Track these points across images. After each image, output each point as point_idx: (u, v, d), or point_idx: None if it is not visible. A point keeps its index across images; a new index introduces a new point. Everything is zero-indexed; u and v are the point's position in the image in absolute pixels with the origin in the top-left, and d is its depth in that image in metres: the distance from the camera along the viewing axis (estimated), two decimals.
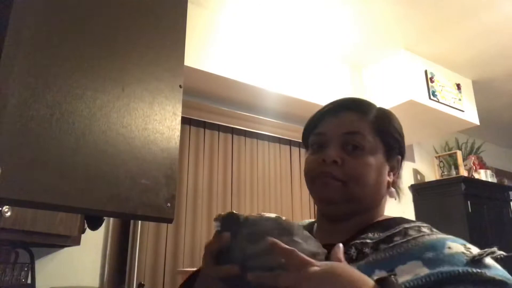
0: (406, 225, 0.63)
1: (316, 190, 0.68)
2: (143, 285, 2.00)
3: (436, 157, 3.93)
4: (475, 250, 0.57)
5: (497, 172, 4.28)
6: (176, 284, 2.20)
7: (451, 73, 3.25)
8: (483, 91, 3.49)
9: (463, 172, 3.66)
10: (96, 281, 2.09)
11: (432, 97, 2.98)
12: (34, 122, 0.47)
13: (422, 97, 2.93)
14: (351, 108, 0.70)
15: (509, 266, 0.57)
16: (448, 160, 3.83)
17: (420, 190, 3.75)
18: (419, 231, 0.61)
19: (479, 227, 3.42)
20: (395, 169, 0.71)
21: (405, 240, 0.60)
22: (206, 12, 2.47)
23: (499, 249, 0.59)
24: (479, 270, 0.52)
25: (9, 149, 0.45)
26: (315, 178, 0.67)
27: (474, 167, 3.80)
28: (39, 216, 1.41)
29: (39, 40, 0.51)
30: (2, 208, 1.19)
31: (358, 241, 0.62)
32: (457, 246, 0.57)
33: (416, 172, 3.92)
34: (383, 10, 2.52)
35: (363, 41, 2.86)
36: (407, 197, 3.74)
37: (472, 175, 3.73)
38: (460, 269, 0.52)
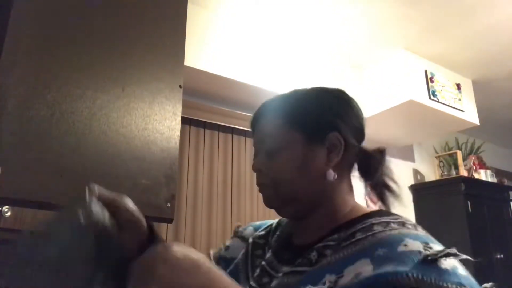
0: (374, 220, 0.58)
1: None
2: None
3: (436, 157, 3.93)
4: (436, 249, 0.49)
5: (497, 172, 4.28)
6: None
7: (451, 73, 3.25)
8: (483, 91, 3.49)
9: (463, 172, 3.66)
10: None
11: (432, 97, 2.98)
12: (34, 122, 0.47)
13: (422, 97, 2.93)
14: (264, 112, 0.70)
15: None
16: (448, 160, 3.83)
17: (420, 190, 3.75)
18: (386, 226, 0.56)
19: (479, 227, 3.41)
20: (337, 147, 0.64)
21: (363, 236, 0.55)
22: (206, 12, 2.47)
23: (499, 249, 0.58)
24: (422, 277, 0.45)
25: (9, 149, 0.45)
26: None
27: (474, 167, 3.80)
28: (39, 216, 1.41)
29: (39, 40, 0.51)
30: (2, 208, 1.19)
31: (321, 244, 0.60)
32: (415, 244, 0.50)
33: (416, 172, 3.92)
34: (383, 10, 2.52)
35: (363, 41, 2.86)
36: (407, 197, 3.74)
37: (472, 175, 3.72)
38: (404, 273, 0.46)
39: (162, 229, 2.27)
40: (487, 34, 2.76)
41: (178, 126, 0.65)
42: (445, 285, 0.44)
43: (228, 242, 0.82)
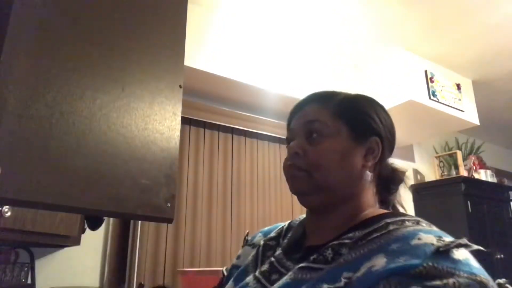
0: (388, 220, 0.59)
1: (288, 184, 0.69)
2: (143, 285, 2.00)
3: (436, 157, 3.93)
4: (448, 242, 0.50)
5: (497, 172, 4.28)
6: (176, 284, 2.20)
7: (451, 73, 3.25)
8: (483, 91, 3.49)
9: (463, 172, 3.66)
10: (96, 281, 2.09)
11: (432, 97, 2.98)
12: (34, 122, 0.47)
13: (422, 97, 2.93)
14: (313, 100, 0.72)
15: (509, 268, 0.56)
16: (448, 160, 3.83)
17: (420, 190, 3.75)
18: (401, 224, 0.57)
19: (479, 227, 3.42)
20: (375, 151, 0.67)
21: (379, 234, 0.56)
22: (206, 12, 2.47)
23: (499, 249, 0.58)
24: (434, 265, 0.46)
25: (9, 149, 0.45)
26: (285, 172, 0.69)
27: (474, 167, 3.80)
28: (39, 216, 1.41)
29: (39, 40, 0.51)
30: (2, 208, 1.19)
31: (336, 242, 0.60)
32: (429, 237, 0.51)
33: (416, 172, 3.92)
34: (383, 10, 2.52)
35: (363, 41, 2.86)
36: (407, 197, 3.74)
37: (472, 175, 3.73)
38: (416, 264, 0.46)
39: (162, 229, 2.27)
40: (487, 34, 2.76)
41: (178, 126, 0.65)
42: (457, 272, 0.45)
43: (239, 252, 0.82)
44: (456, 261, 0.47)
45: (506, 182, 4.16)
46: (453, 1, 2.44)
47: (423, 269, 0.46)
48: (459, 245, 0.49)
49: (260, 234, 0.82)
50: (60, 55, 0.53)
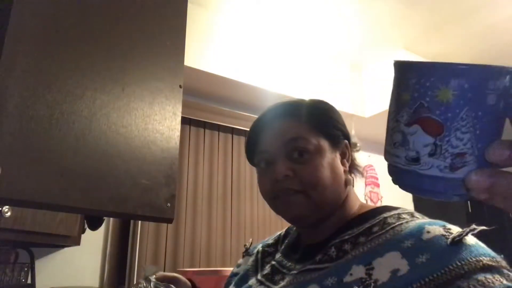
0: (386, 214, 0.61)
1: (281, 210, 0.65)
2: None
3: None
4: (455, 230, 0.54)
5: None
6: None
7: None
8: None
9: None
10: (96, 281, 2.09)
11: None
12: (34, 122, 0.47)
13: None
14: (281, 115, 0.68)
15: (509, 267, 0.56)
16: None
17: None
18: (399, 218, 0.59)
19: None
20: (346, 154, 0.69)
21: (384, 230, 0.58)
22: (206, 12, 2.47)
23: (499, 249, 0.59)
24: (459, 263, 0.47)
25: (9, 149, 0.45)
26: (274, 198, 0.65)
27: None
28: (39, 216, 1.41)
29: (39, 40, 0.51)
30: (2, 208, 1.19)
31: (337, 240, 0.61)
32: (436, 228, 0.54)
33: None
34: (383, 10, 2.52)
35: (362, 41, 2.86)
36: (407, 197, 3.74)
37: None
38: (442, 268, 0.47)
39: (162, 229, 2.27)
40: (487, 34, 2.76)
41: (178, 126, 0.65)
42: (480, 258, 0.49)
43: (240, 261, 0.84)
44: (470, 247, 0.50)
45: None
46: (453, 1, 2.44)
47: (452, 270, 0.47)
48: (470, 231, 0.52)
49: (260, 245, 0.83)
50: (60, 55, 0.53)
